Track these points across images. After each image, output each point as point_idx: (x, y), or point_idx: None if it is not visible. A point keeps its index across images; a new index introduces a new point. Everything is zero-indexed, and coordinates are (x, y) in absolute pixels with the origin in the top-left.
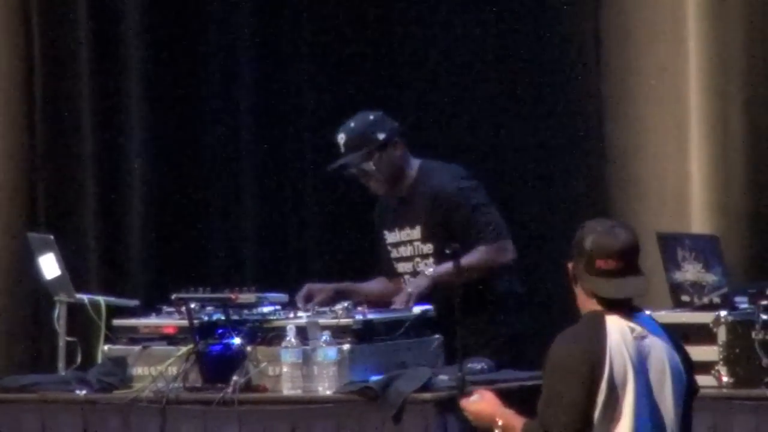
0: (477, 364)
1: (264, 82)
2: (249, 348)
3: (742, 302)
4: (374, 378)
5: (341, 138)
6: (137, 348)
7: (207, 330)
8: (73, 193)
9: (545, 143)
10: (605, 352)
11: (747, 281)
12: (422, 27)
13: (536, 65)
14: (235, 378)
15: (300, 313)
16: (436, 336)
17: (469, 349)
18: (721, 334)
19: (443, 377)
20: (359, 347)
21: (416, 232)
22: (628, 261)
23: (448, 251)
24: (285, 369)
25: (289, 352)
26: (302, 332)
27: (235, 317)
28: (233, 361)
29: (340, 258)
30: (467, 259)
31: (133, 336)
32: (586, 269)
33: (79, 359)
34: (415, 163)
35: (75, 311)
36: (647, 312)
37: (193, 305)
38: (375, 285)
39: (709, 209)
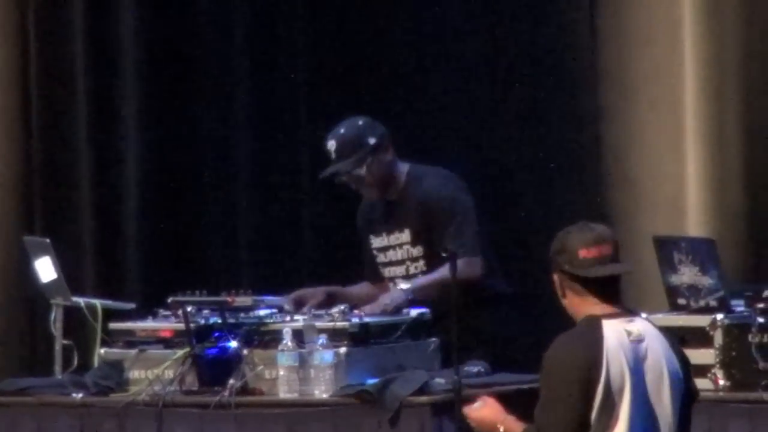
0: (473, 367)
1: (260, 89)
2: (245, 351)
3: (739, 305)
4: (371, 381)
5: (332, 145)
6: (134, 351)
7: (203, 333)
8: (69, 197)
9: (541, 145)
10: (602, 356)
11: (743, 284)
12: (417, 33)
13: (532, 67)
14: (231, 381)
15: (296, 317)
16: (433, 339)
17: (463, 350)
18: (718, 337)
19: (440, 380)
20: (355, 350)
21: (405, 236)
22: (609, 248)
23: (444, 254)
24: (281, 372)
25: (285, 356)
26: (299, 335)
27: (232, 320)
28: (230, 364)
29: (337, 261)
30: (442, 272)
31: (129, 339)
32: (571, 265)
33: (75, 362)
34: (404, 167)
35: (71, 314)
36: (644, 315)
37: (189, 308)
38: (358, 289)
39: (706, 212)
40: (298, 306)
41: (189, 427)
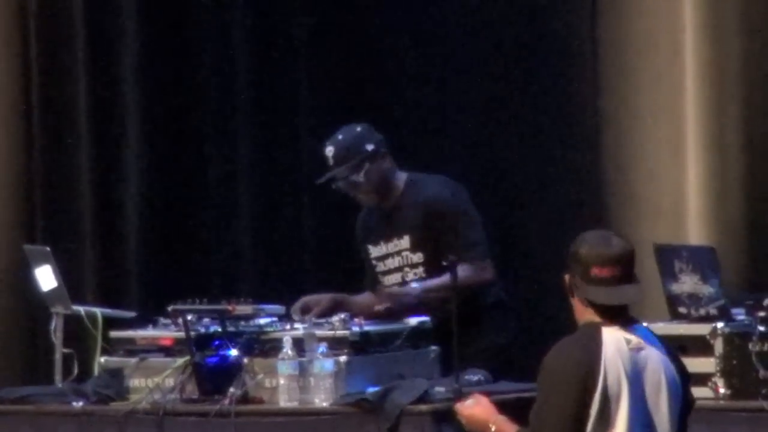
0: (474, 376)
1: (261, 96)
2: (246, 360)
3: (739, 314)
4: (371, 390)
5: (330, 151)
6: (134, 360)
7: (204, 342)
8: (69, 205)
9: (541, 154)
10: (600, 364)
11: (744, 293)
12: (418, 39)
13: (533, 77)
14: (231, 390)
15: (297, 325)
16: (433, 347)
17: (463, 360)
18: (718, 345)
19: (440, 389)
20: (356, 359)
21: (404, 242)
22: (623, 269)
23: (445, 263)
24: (282, 381)
25: (285, 364)
26: (299, 344)
27: (232, 329)
28: (230, 372)
29: (337, 270)
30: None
31: (129, 348)
32: (582, 278)
33: (75, 371)
34: (402, 175)
35: (72, 323)
36: (644, 324)
37: (189, 317)
38: (365, 299)
39: (706, 220)
40: (305, 314)
41: None
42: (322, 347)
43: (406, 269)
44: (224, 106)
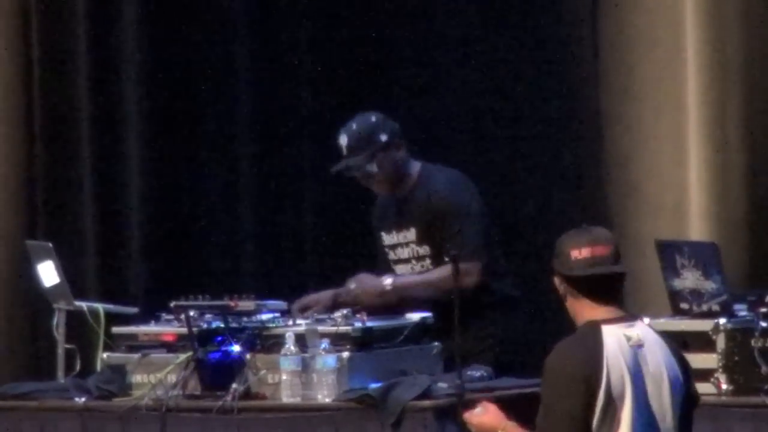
0: (476, 372)
1: (261, 90)
2: (248, 355)
3: (741, 310)
4: (373, 386)
5: (343, 140)
6: (136, 355)
7: (206, 337)
8: (71, 201)
9: (543, 150)
10: (602, 362)
11: (746, 288)
12: (421, 36)
13: (534, 72)
14: (234, 386)
15: (299, 321)
16: (435, 343)
17: (465, 353)
18: (720, 341)
19: (442, 385)
20: (358, 355)
21: (412, 234)
22: (602, 249)
23: (447, 258)
24: (284, 377)
25: (288, 360)
26: (301, 340)
27: (234, 325)
28: (232, 368)
29: (339, 265)
30: (434, 275)
31: (132, 343)
32: (565, 266)
33: (78, 367)
34: (416, 166)
35: (74, 319)
36: (646, 320)
37: (192, 313)
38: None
39: (708, 216)
40: (306, 312)
41: (192, 431)
42: (325, 343)
43: (414, 261)
44: (226, 106)
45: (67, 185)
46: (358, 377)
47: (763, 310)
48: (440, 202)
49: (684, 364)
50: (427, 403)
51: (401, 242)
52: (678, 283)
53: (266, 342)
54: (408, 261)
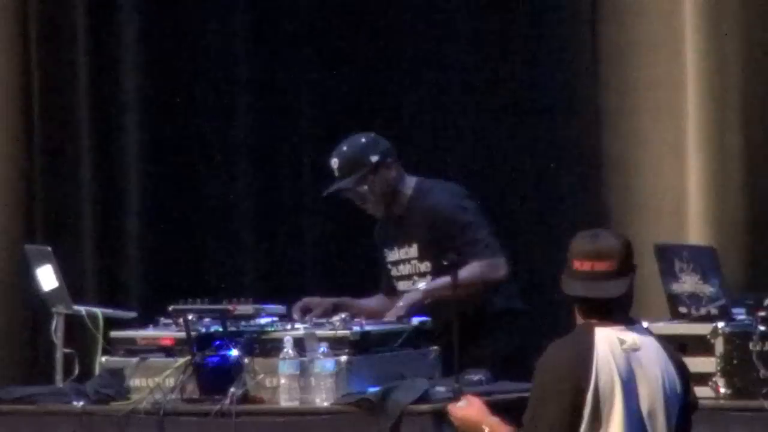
0: (474, 375)
1: (261, 95)
2: (246, 359)
3: (740, 313)
4: (372, 389)
5: (335, 163)
6: (135, 360)
7: (204, 341)
8: (70, 205)
9: (543, 156)
10: (591, 365)
11: (744, 292)
12: (420, 43)
13: (534, 79)
14: (232, 389)
15: (297, 325)
16: (434, 347)
17: (467, 361)
18: (719, 345)
19: (440, 388)
20: (357, 359)
21: (413, 251)
22: (604, 264)
23: (446, 262)
24: (282, 380)
25: (286, 364)
26: (300, 344)
27: (233, 329)
28: (230, 372)
29: (338, 270)
30: (461, 275)
31: (130, 348)
32: (567, 273)
33: (76, 371)
34: (411, 182)
35: (72, 323)
36: (644, 324)
37: (190, 317)
38: (373, 302)
39: (707, 221)
40: (305, 314)
41: None
42: (323, 347)
43: (415, 277)
44: (226, 109)
45: (66, 189)
46: (356, 381)
47: (762, 314)
48: (442, 215)
49: (682, 370)
50: (425, 406)
51: (402, 258)
52: (677, 287)
53: (264, 346)
54: (409, 277)
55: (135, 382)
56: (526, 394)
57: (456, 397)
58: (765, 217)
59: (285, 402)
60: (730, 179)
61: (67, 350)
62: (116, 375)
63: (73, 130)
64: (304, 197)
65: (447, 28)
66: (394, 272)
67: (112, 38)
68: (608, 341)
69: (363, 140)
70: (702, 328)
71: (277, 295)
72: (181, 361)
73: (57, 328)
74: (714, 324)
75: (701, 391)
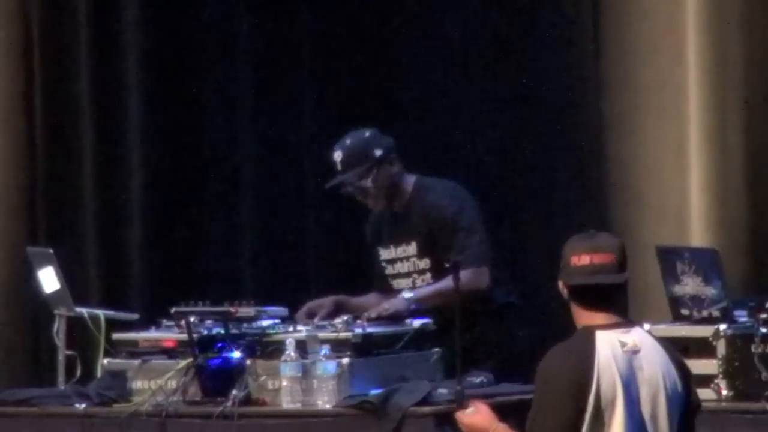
0: (476, 378)
1: (264, 101)
2: (248, 362)
3: (742, 316)
4: (374, 392)
5: (338, 156)
6: (137, 362)
7: (206, 344)
8: (72, 207)
9: (545, 157)
10: (593, 368)
11: (746, 294)
12: (422, 45)
13: (536, 79)
14: (234, 392)
15: (299, 327)
16: (436, 349)
17: (468, 361)
18: (721, 347)
19: (442, 391)
20: (359, 361)
21: (412, 248)
22: (602, 257)
23: (447, 265)
24: (284, 383)
25: (288, 366)
26: (302, 346)
27: (235, 331)
28: (233, 374)
29: (340, 271)
30: (445, 283)
31: (132, 350)
32: (564, 271)
33: (78, 373)
34: (411, 179)
35: (74, 325)
36: (646, 326)
37: (192, 319)
38: (369, 299)
39: (709, 223)
40: (311, 319)
41: None
42: (325, 349)
43: (415, 275)
44: (228, 109)
45: (67, 191)
46: (358, 383)
47: (764, 316)
48: (440, 213)
49: (684, 371)
50: (427, 409)
51: (400, 256)
52: (678, 289)
53: (266, 348)
54: (408, 275)
55: (137, 384)
56: (528, 396)
57: (461, 402)
58: (767, 218)
59: (287, 404)
60: (733, 181)
61: (69, 352)
62: (118, 377)
63: (76, 133)
64: (307, 197)
65: (447, 28)
66: (389, 270)
67: (115, 42)
68: (609, 344)
69: (366, 134)
70: (704, 330)
71: (278, 298)
72: (183, 363)
73: (59, 330)
74: (716, 326)
75: (703, 394)
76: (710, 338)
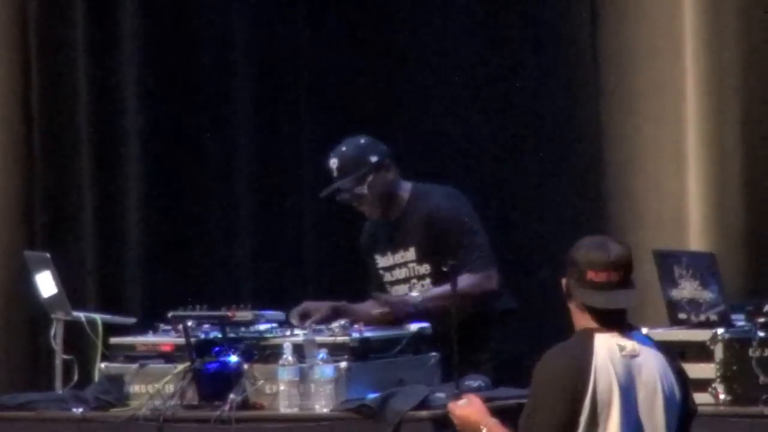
0: (474, 382)
1: (261, 104)
2: (246, 366)
3: (739, 320)
4: (371, 396)
5: (334, 162)
6: (134, 366)
7: (204, 348)
8: (70, 211)
9: (543, 161)
10: (590, 371)
11: (744, 298)
12: (418, 49)
13: (533, 83)
14: (231, 396)
15: (297, 331)
16: (433, 353)
17: (467, 366)
18: (718, 351)
19: (440, 395)
20: (356, 365)
21: (410, 254)
22: (618, 274)
23: (445, 269)
24: (282, 387)
25: (286, 370)
26: (299, 350)
27: (232, 335)
28: (230, 379)
29: (338, 276)
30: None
31: (130, 354)
32: (578, 282)
33: (76, 377)
34: (407, 186)
35: (72, 329)
36: (644, 330)
37: (189, 323)
38: (367, 307)
39: (706, 227)
40: (304, 319)
41: None
42: (323, 353)
43: (413, 281)
44: (226, 113)
45: (65, 196)
46: (356, 387)
47: (761, 319)
48: (442, 218)
49: (682, 376)
50: (424, 413)
51: (398, 263)
52: (676, 293)
53: (264, 352)
54: (407, 281)
55: (134, 388)
56: (525, 401)
57: (456, 395)
58: (764, 223)
59: (284, 408)
60: (730, 185)
61: (66, 356)
62: (116, 381)
63: (73, 139)
64: (304, 204)
65: (446, 32)
66: (387, 277)
67: (113, 44)
68: (608, 347)
69: (362, 141)
70: (701, 335)
71: (275, 302)
72: (180, 367)
73: (56, 334)
74: (713, 330)
75: (701, 398)
76: (708, 342)
